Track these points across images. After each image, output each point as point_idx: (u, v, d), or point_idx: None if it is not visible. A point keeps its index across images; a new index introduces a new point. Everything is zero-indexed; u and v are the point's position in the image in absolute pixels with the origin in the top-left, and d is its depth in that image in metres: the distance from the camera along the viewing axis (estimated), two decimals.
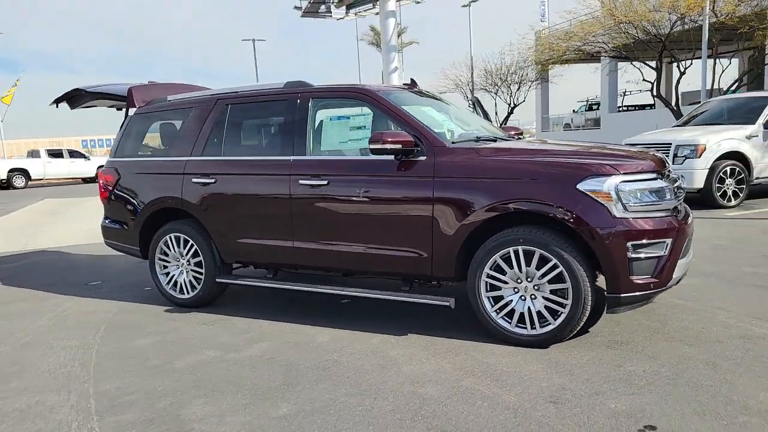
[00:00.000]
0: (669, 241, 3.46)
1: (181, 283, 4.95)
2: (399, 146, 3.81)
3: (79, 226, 10.55)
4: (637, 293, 3.45)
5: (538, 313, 3.62)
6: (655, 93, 18.08)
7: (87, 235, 9.12)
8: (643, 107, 32.85)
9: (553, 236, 3.52)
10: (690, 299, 4.42)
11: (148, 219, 5.03)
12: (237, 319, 4.58)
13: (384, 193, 3.98)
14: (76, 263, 7.32)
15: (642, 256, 3.41)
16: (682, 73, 18.35)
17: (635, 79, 19.46)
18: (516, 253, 3.61)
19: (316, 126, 4.43)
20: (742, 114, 9.93)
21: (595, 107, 35.15)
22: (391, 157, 3.92)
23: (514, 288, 3.68)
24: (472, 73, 27.22)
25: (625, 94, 31.76)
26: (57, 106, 5.85)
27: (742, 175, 9.15)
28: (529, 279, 3.62)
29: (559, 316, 3.56)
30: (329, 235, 4.21)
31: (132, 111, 5.33)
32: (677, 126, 11.03)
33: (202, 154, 4.77)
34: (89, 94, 5.46)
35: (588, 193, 3.41)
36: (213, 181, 4.63)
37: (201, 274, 4.83)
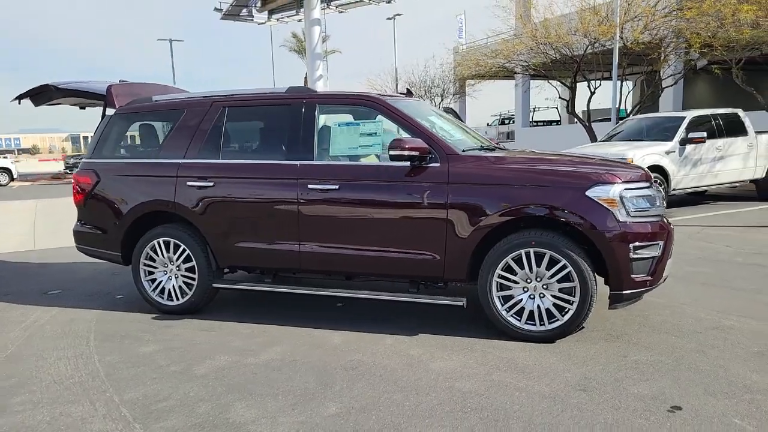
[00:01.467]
0: (662, 243, 3.87)
1: (169, 290, 4.80)
2: (416, 153, 3.98)
3: (5, 231, 9.75)
4: (636, 290, 3.83)
5: (547, 310, 3.90)
6: (569, 110, 19.37)
7: (20, 241, 8.49)
8: (550, 123, 35.07)
9: (562, 239, 3.82)
10: (658, 296, 4.89)
11: (132, 224, 4.84)
12: (237, 324, 4.53)
13: (397, 198, 4.12)
14: (21, 272, 6.82)
15: (640, 256, 3.78)
16: (592, 93, 19.80)
17: (553, 96, 20.73)
18: (527, 254, 3.88)
19: (323, 132, 4.49)
20: (660, 132, 10.97)
21: (507, 121, 37.03)
22: (406, 163, 4.08)
23: (524, 287, 3.94)
24: (397, 84, 27.81)
25: (534, 110, 33.66)
26: (19, 103, 5.48)
27: (663, 186, 10.10)
28: (538, 279, 3.90)
29: (567, 312, 3.86)
30: (339, 238, 4.29)
31: (110, 110, 5.11)
32: (603, 141, 11.96)
33: (197, 157, 4.67)
34: (61, 91, 5.17)
35: (596, 199, 3.75)
36: (211, 184, 4.56)
37: (193, 279, 4.72)
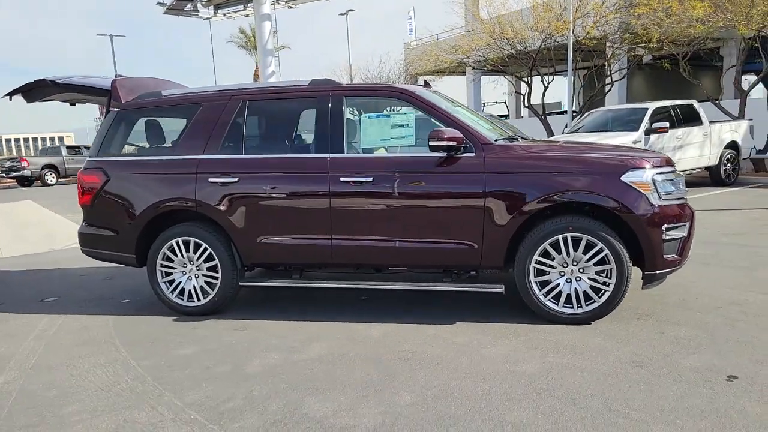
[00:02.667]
0: (687, 224, 4.06)
1: (189, 291, 4.65)
2: (453, 143, 4.02)
3: None
4: (668, 270, 4.01)
5: (584, 293, 4.03)
6: (526, 104, 19.89)
7: None
8: (499, 117, 35.81)
9: (598, 223, 3.95)
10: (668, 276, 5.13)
11: (148, 223, 4.66)
12: (266, 323, 4.44)
13: (434, 189, 4.15)
14: (3, 280, 6.43)
15: (671, 237, 3.96)
16: (546, 87, 20.40)
17: (509, 90, 21.16)
18: (565, 239, 3.99)
19: (351, 124, 4.46)
20: (625, 123, 11.44)
21: None
22: (441, 153, 4.11)
23: (561, 272, 4.05)
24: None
25: (484, 105, 34.34)
26: (10, 99, 5.14)
27: None
28: (575, 263, 4.02)
29: (603, 294, 3.99)
30: (373, 231, 4.27)
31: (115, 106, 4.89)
32: (571, 133, 12.36)
33: (219, 152, 4.54)
34: (61, 87, 4.89)
35: (631, 184, 3.89)
36: (235, 180, 4.44)
37: (216, 278, 4.59)
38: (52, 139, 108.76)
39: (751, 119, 13.28)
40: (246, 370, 3.55)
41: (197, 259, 4.61)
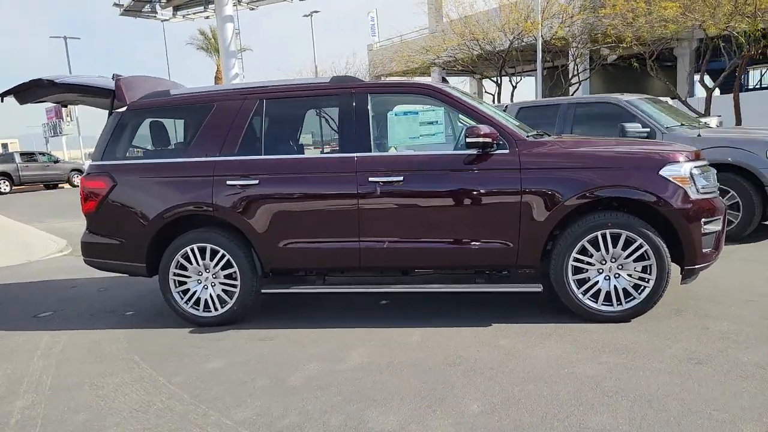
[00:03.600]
0: (721, 217, 4.05)
1: (205, 300, 4.39)
2: (489, 140, 3.90)
3: None
4: (705, 264, 3.98)
5: (624, 290, 3.96)
6: (496, 104, 20.08)
7: None
8: None
9: (636, 219, 3.89)
10: None
11: (160, 230, 4.38)
12: (292, 332, 4.22)
13: (468, 187, 4.01)
14: None
15: (708, 231, 3.93)
16: (514, 87, 20.65)
17: (473, 92, 21.31)
18: (603, 236, 3.92)
19: (377, 121, 4.29)
20: None
21: None
22: (474, 151, 3.98)
23: (599, 269, 3.98)
24: None
25: None
26: (2, 100, 4.75)
27: None
28: (613, 259, 3.95)
29: (643, 290, 3.94)
30: (405, 232, 4.11)
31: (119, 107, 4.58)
32: None
33: (236, 154, 4.30)
34: (60, 87, 4.54)
35: (670, 178, 3.85)
36: (256, 182, 4.21)
37: (234, 287, 4.34)
38: None
39: (720, 115, 13.66)
40: (289, 383, 3.34)
41: (214, 267, 4.35)
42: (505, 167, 3.98)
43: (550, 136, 4.80)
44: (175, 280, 4.42)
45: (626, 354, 3.46)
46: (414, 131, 4.19)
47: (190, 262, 4.38)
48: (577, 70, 18.93)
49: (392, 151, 4.24)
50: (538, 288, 4.06)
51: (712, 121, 13.32)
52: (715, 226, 3.99)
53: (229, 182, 4.24)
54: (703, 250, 3.93)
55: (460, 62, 19.06)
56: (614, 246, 3.93)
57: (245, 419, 2.93)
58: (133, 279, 5.93)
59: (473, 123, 4.15)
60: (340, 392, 3.18)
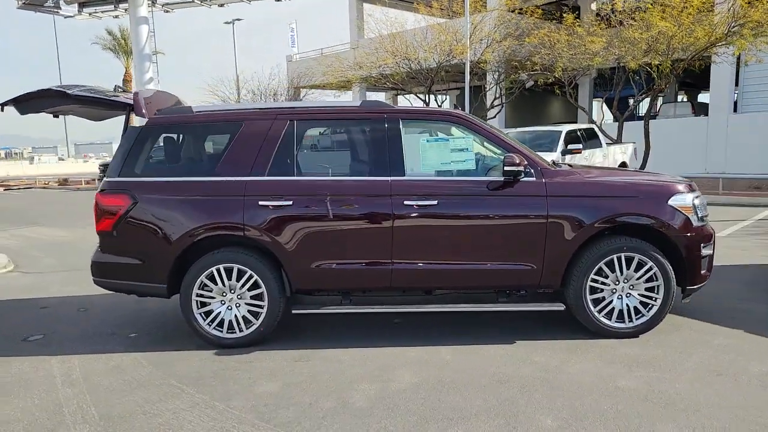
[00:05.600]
0: (713, 242, 4.57)
1: (231, 321, 4.31)
2: (521, 168, 4.17)
3: None
4: (702, 284, 4.48)
5: (634, 308, 4.37)
6: None
7: None
8: None
9: (647, 243, 4.32)
10: None
11: (185, 251, 4.25)
12: (325, 352, 4.23)
13: (499, 212, 4.26)
14: None
15: (705, 254, 4.44)
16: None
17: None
18: (618, 258, 4.31)
19: (409, 147, 4.43)
20: (542, 144, 12.37)
21: None
22: (503, 178, 4.24)
23: (612, 289, 4.36)
24: (239, 91, 26.84)
25: None
26: (2, 110, 4.39)
27: None
28: (626, 280, 4.35)
29: (651, 308, 4.36)
30: (437, 254, 4.28)
31: (136, 121, 4.41)
32: None
33: (267, 174, 4.28)
34: (72, 98, 4.27)
35: (677, 207, 4.31)
36: (289, 203, 4.21)
37: (261, 307, 4.30)
38: None
39: (634, 142, 14.99)
40: (355, 405, 3.39)
41: (240, 287, 4.28)
42: (533, 194, 4.27)
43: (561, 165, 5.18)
44: (197, 301, 4.30)
45: (653, 368, 3.83)
46: (445, 157, 4.38)
47: (215, 283, 4.28)
48: (501, 92, 19.96)
49: (424, 176, 4.38)
50: (560, 307, 4.38)
51: (629, 148, 14.62)
52: (709, 250, 4.50)
53: (261, 203, 4.21)
54: (702, 272, 4.42)
55: (390, 79, 19.50)
56: (628, 268, 4.32)
57: None
58: (112, 299, 5.71)
59: (497, 150, 4.43)
60: (412, 412, 3.28)
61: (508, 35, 18.54)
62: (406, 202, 4.22)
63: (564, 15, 16.50)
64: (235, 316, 4.32)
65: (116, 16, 33.32)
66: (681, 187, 4.41)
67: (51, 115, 4.91)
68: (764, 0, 12.30)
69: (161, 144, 4.44)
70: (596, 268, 4.31)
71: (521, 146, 4.51)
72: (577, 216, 4.25)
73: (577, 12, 22.84)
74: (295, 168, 4.34)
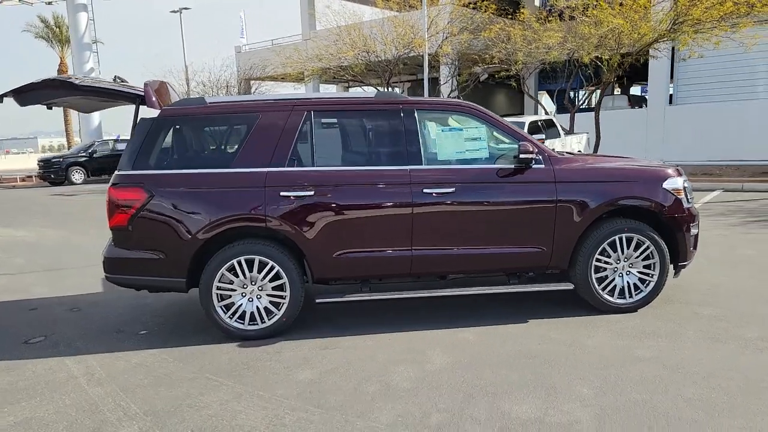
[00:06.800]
0: (698, 222, 4.94)
1: (252, 313, 4.32)
2: (534, 155, 4.39)
3: None
4: (690, 260, 4.83)
5: (634, 285, 4.68)
6: None
7: None
8: None
9: (644, 224, 4.62)
10: None
11: (205, 243, 4.22)
12: (349, 339, 4.31)
13: (513, 198, 4.46)
14: None
15: (693, 233, 4.79)
16: None
17: None
18: (620, 239, 4.59)
19: (425, 136, 4.55)
20: None
21: None
22: (518, 165, 4.44)
23: (614, 268, 4.65)
24: (188, 83, 26.11)
25: None
26: (1, 101, 4.19)
27: None
28: (626, 259, 4.65)
29: (649, 284, 4.68)
30: (453, 240, 4.43)
31: (145, 113, 4.32)
32: None
33: (287, 165, 4.30)
34: (80, 89, 4.14)
35: (670, 190, 4.63)
36: (311, 193, 4.26)
37: (282, 297, 4.33)
38: None
39: (587, 132, 15.66)
40: (399, 386, 3.50)
41: (261, 279, 4.30)
42: (543, 180, 4.49)
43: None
44: (218, 294, 4.28)
45: (659, 338, 4.13)
46: (460, 147, 4.54)
47: (236, 275, 4.28)
48: (457, 85, 20.34)
49: (441, 165, 4.52)
50: (570, 286, 4.63)
51: (583, 138, 15.28)
52: (696, 230, 4.86)
53: (282, 193, 4.24)
54: (691, 249, 4.78)
55: (348, 71, 19.52)
56: (627, 248, 4.62)
57: (391, 422, 3.07)
58: (101, 298, 5.66)
59: (505, 139, 4.63)
60: (457, 389, 3.42)
61: (464, 29, 18.92)
62: (425, 190, 4.35)
63: (516, 11, 17.04)
64: (257, 307, 4.33)
65: (49, 2, 31.77)
66: (671, 172, 4.74)
67: (46, 108, 4.73)
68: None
69: (175, 136, 4.37)
70: (600, 248, 4.58)
71: (527, 135, 4.72)
72: (583, 200, 4.50)
73: (516, 7, 23.61)
74: (313, 158, 4.39)
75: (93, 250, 8.32)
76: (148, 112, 4.51)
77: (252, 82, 27.53)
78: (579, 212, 4.49)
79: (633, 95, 28.34)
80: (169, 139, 4.37)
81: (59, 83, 4.11)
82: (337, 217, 4.31)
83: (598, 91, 19.65)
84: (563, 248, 4.55)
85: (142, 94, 4.29)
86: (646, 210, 4.63)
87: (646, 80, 20.75)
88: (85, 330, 4.78)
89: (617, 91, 32.20)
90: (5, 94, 4.20)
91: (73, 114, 35.82)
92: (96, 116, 27.96)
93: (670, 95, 20.55)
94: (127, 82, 4.80)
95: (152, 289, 4.52)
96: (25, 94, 4.23)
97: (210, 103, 4.42)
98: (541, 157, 4.53)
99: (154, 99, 4.28)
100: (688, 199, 4.75)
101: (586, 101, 19.03)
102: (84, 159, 22.90)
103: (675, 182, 4.67)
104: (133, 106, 4.49)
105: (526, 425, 2.99)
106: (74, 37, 26.23)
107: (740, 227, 8.34)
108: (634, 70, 19.56)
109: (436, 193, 4.36)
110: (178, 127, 4.39)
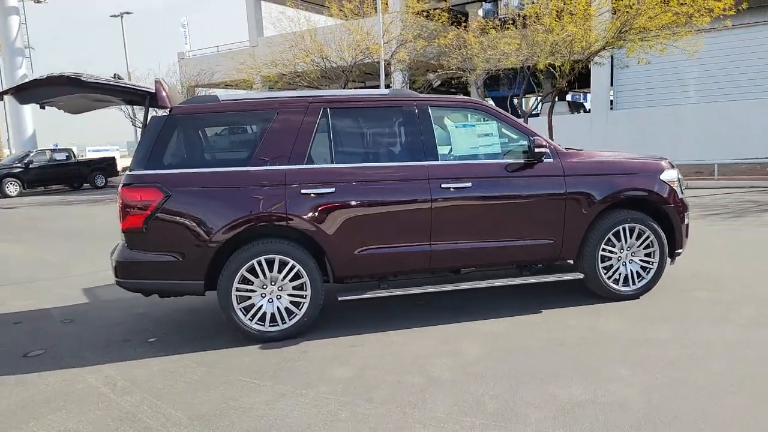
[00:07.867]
0: (688, 212, 5.23)
1: (273, 313, 4.24)
2: (546, 150, 4.53)
3: None
4: (684, 247, 5.10)
5: (637, 272, 4.89)
6: None
7: None
8: None
9: (645, 215, 4.85)
10: None
11: (225, 243, 4.11)
12: (369, 336, 4.29)
13: (526, 191, 4.58)
14: None
15: (686, 222, 5.07)
16: None
17: None
18: (624, 229, 4.80)
19: (441, 133, 4.60)
20: None
21: None
22: (525, 160, 4.57)
23: (618, 257, 4.85)
24: None
25: None
26: (2, 99, 3.93)
27: None
28: (628, 248, 4.86)
29: (650, 272, 4.91)
30: (472, 234, 4.50)
31: (157, 111, 4.18)
32: None
33: (307, 162, 4.26)
34: (86, 86, 3.93)
35: (667, 181, 4.88)
36: (332, 190, 4.23)
37: (303, 297, 4.27)
38: None
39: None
40: (441, 377, 3.52)
41: (282, 279, 4.23)
42: (553, 173, 4.64)
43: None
44: (237, 296, 4.18)
45: (672, 321, 4.33)
46: (474, 142, 4.62)
47: (256, 275, 4.19)
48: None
49: (456, 160, 4.59)
50: (579, 276, 4.78)
51: None
52: (687, 219, 5.14)
53: (303, 191, 4.19)
54: (684, 238, 5.05)
55: (304, 77, 19.41)
56: (630, 237, 4.83)
57: (447, 411, 3.08)
58: (89, 308, 5.49)
59: (514, 135, 4.75)
60: (501, 377, 3.47)
61: (419, 36, 19.22)
62: (443, 185, 4.40)
63: (467, 20, 17.49)
64: (277, 308, 4.25)
65: None
66: (666, 164, 5.00)
67: (39, 107, 4.48)
68: (647, 10, 13.87)
69: (189, 134, 4.24)
70: (606, 238, 4.77)
71: (535, 130, 4.86)
72: (591, 192, 4.68)
73: (465, 17, 24.21)
74: (331, 155, 4.36)
75: (61, 262, 7.93)
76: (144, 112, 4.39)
77: (197, 89, 26.93)
78: (587, 204, 4.66)
79: (571, 101, 29.54)
80: (182, 137, 4.24)
81: (66, 80, 3.90)
82: (358, 214, 4.29)
83: (539, 98, 20.46)
84: (573, 239, 4.70)
85: (153, 91, 4.14)
86: (647, 200, 4.86)
87: (582, 88, 21.70)
88: (86, 341, 4.54)
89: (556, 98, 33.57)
90: (5, 92, 3.96)
91: (1, 123, 33.92)
92: (30, 125, 26.60)
93: (611, 100, 21.58)
94: (123, 80, 4.62)
95: (166, 294, 4.34)
96: (27, 92, 4.00)
97: (224, 100, 4.32)
98: (549, 151, 4.68)
99: (165, 97, 4.14)
100: (681, 190, 5.01)
101: (538, 106, 19.70)
102: (19, 170, 21.61)
103: (670, 174, 4.93)
104: (126, 107, 4.34)
105: (583, 406, 3.08)
106: (5, 43, 24.89)
107: (700, 221, 8.84)
108: (573, 78, 20.49)
109: (453, 188, 4.42)
110: (191, 125, 4.27)
